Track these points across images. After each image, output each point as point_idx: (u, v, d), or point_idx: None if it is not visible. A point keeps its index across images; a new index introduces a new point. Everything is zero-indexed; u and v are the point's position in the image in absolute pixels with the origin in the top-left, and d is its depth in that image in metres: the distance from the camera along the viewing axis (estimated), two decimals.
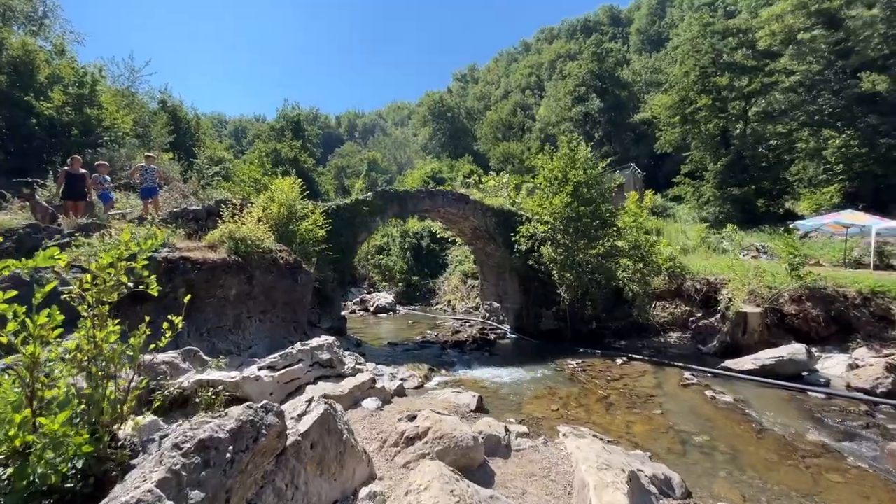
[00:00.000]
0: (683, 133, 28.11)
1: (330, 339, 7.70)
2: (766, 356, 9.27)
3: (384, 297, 22.12)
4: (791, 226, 17.35)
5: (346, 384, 6.98)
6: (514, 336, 15.37)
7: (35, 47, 16.99)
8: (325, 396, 6.41)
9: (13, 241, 7.25)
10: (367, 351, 12.22)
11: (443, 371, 10.51)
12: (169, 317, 3.09)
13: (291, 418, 3.49)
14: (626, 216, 14.46)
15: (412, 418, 4.67)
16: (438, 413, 4.70)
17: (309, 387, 6.48)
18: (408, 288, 25.89)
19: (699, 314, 12.97)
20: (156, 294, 3.36)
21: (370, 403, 6.93)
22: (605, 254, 13.85)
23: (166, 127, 22.53)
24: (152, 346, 3.23)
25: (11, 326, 2.45)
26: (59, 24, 21.51)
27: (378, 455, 4.48)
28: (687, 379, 9.24)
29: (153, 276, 3.36)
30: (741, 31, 26.83)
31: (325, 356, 7.16)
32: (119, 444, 2.99)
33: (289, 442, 3.12)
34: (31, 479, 2.25)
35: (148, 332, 3.05)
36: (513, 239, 14.74)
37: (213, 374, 5.59)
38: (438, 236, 23.89)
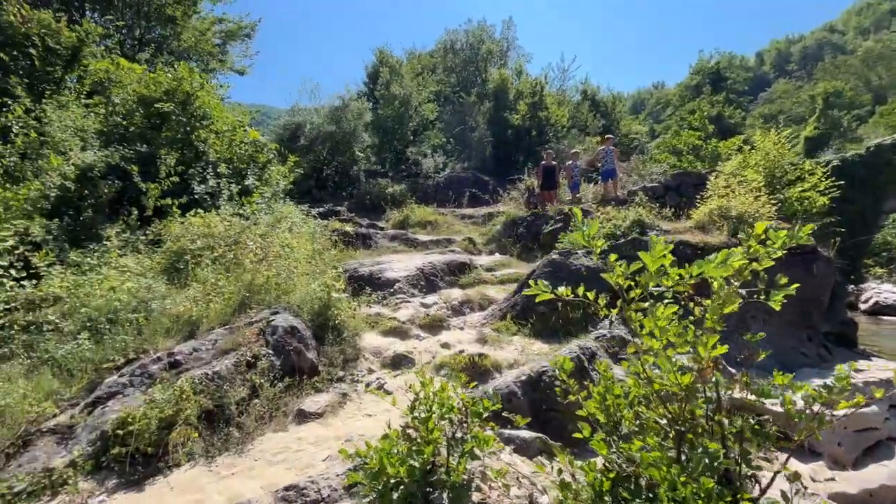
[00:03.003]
0: None
1: None
2: None
3: (890, 292, 14.59)
4: None
5: None
6: None
7: (506, 75, 22.07)
8: None
9: (524, 227, 8.94)
10: None
11: None
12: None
13: None
14: None
15: None
16: None
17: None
18: None
19: None
20: (778, 308, 2.21)
21: None
22: None
23: (590, 113, 24.25)
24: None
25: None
26: (515, 51, 27.36)
27: None
28: None
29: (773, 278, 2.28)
30: None
31: None
32: None
33: None
34: None
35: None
36: None
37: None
38: None
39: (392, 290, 6.37)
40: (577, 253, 5.41)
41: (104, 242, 5.31)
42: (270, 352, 3.83)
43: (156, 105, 7.11)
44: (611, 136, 10.78)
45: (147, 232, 5.85)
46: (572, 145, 19.24)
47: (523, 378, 3.65)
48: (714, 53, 36.91)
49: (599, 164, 10.15)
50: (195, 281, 4.89)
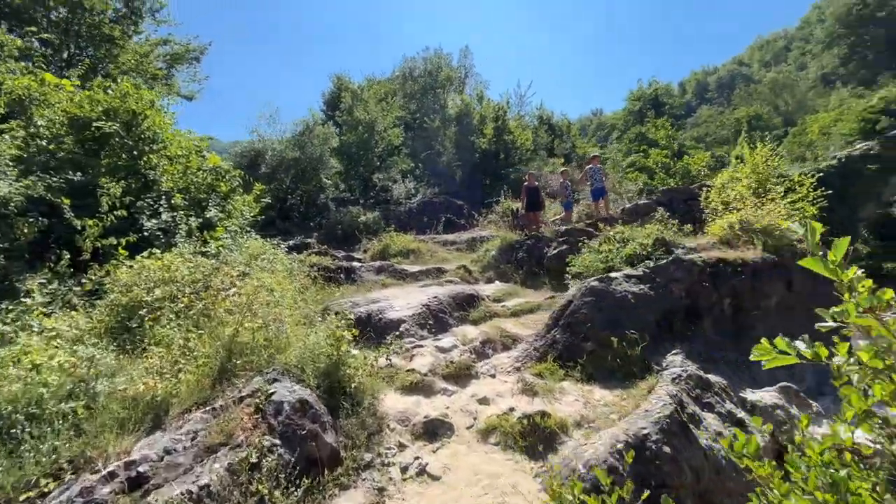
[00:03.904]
0: None
1: None
2: None
3: None
4: None
5: None
6: None
7: (469, 100, 22.07)
8: None
9: (524, 251, 8.31)
10: None
11: None
12: None
13: None
14: None
15: None
16: None
17: None
18: None
19: None
20: None
21: None
22: None
23: (548, 137, 24.74)
24: None
25: None
26: (473, 78, 27.74)
27: None
28: None
29: None
30: None
31: None
32: None
33: None
34: None
35: None
36: None
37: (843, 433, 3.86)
38: None
39: (398, 332, 5.40)
40: (617, 278, 4.78)
41: (22, 299, 3.99)
42: (277, 441, 2.78)
43: (94, 125, 5.86)
44: (597, 155, 10.61)
45: (83, 281, 4.55)
46: (541, 168, 19.31)
47: (620, 446, 2.84)
48: (652, 81, 39.47)
49: (589, 184, 9.87)
50: (155, 344, 3.71)
